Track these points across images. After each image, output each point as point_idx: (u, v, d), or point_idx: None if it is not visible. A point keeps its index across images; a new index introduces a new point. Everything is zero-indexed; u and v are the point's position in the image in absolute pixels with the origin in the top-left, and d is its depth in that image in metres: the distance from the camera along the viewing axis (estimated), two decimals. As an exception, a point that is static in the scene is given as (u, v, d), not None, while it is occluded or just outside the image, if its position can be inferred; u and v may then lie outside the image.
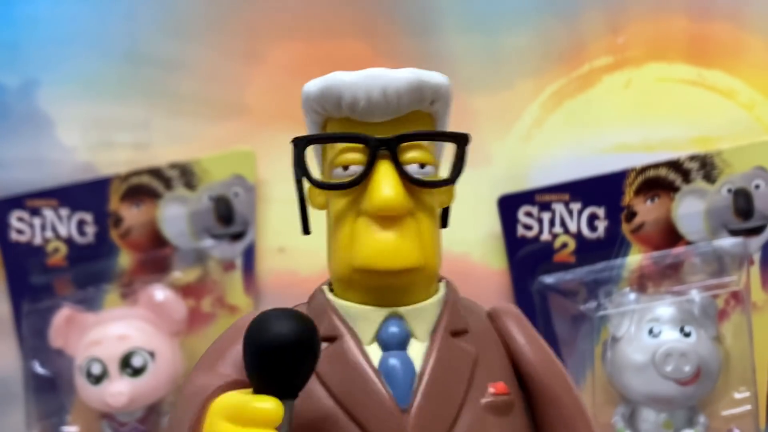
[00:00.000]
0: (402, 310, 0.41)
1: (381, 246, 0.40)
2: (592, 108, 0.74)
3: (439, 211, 0.44)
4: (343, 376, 0.40)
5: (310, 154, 0.44)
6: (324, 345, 0.40)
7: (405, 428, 0.39)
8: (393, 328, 0.41)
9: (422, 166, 0.42)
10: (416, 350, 0.41)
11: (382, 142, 0.40)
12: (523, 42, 0.75)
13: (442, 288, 0.43)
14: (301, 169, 0.42)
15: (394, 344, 0.41)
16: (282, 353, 0.35)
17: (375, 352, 0.41)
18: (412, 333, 0.41)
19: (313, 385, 0.39)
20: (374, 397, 0.39)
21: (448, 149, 0.44)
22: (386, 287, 0.41)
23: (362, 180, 0.41)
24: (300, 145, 0.42)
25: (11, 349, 0.77)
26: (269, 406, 0.35)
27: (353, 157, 0.41)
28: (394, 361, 0.40)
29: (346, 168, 0.41)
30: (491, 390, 0.41)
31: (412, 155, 0.41)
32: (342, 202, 0.42)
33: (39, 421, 0.75)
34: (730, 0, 0.73)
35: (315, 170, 0.44)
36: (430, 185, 0.42)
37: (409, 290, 0.42)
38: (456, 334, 0.42)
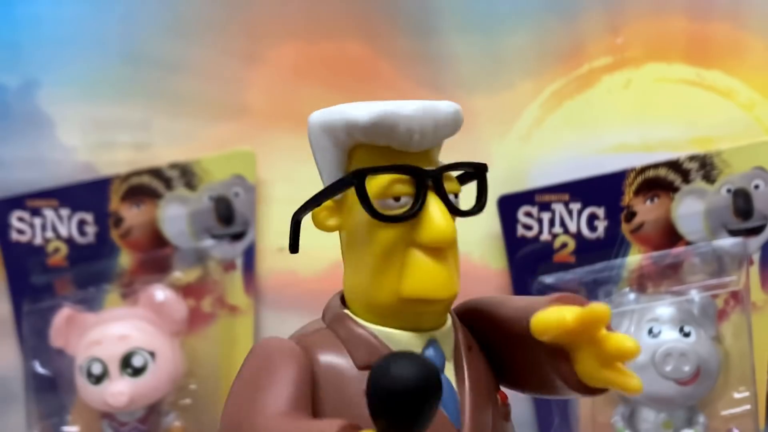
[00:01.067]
0: (437, 333, 0.42)
1: (435, 277, 0.41)
2: (592, 108, 0.74)
3: None
4: None
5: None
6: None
7: None
8: (433, 353, 0.42)
9: (456, 195, 0.43)
10: (449, 371, 0.42)
11: (431, 174, 0.41)
12: (523, 42, 0.75)
13: None
14: (366, 202, 0.41)
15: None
16: (415, 396, 0.35)
17: None
18: (444, 355, 0.42)
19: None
20: (437, 423, 0.38)
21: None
22: (427, 314, 0.42)
23: (418, 211, 0.41)
24: (360, 177, 0.41)
25: (12, 349, 0.77)
26: None
27: (403, 188, 0.41)
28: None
29: (397, 199, 0.41)
30: (499, 400, 0.43)
31: (450, 186, 0.42)
32: (391, 233, 0.42)
33: (39, 420, 0.75)
34: (729, 0, 0.73)
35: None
36: (468, 214, 0.43)
37: (441, 315, 0.43)
38: (468, 349, 0.43)
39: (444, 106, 0.42)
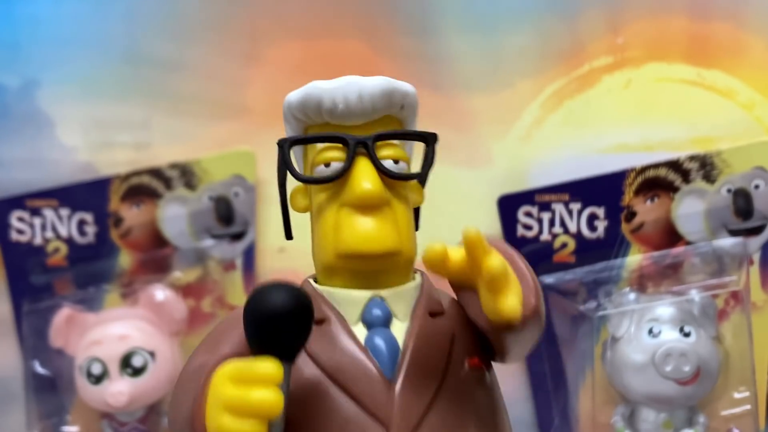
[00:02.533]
0: (384, 292, 0.45)
1: (363, 232, 0.44)
2: (592, 108, 0.74)
3: (411, 204, 0.47)
4: (333, 353, 0.43)
5: (293, 157, 0.48)
6: (314, 327, 0.43)
7: (392, 397, 0.42)
8: (376, 309, 0.44)
9: (396, 162, 0.46)
10: (398, 329, 0.44)
11: (361, 141, 0.45)
12: (523, 42, 0.75)
13: (417, 277, 0.47)
14: (288, 167, 0.47)
15: (378, 323, 0.44)
16: (282, 318, 0.39)
17: (360, 332, 0.44)
18: (393, 313, 0.45)
19: (305, 363, 0.43)
20: (363, 370, 0.43)
21: (417, 152, 0.48)
22: (368, 271, 0.45)
23: (344, 174, 0.45)
24: (285, 145, 0.47)
25: (11, 349, 0.77)
26: (271, 366, 0.38)
27: (334, 154, 0.45)
28: (378, 338, 0.44)
29: (328, 165, 0.45)
30: (467, 364, 0.45)
31: (386, 152, 0.45)
32: (325, 195, 0.46)
33: (39, 421, 0.75)
34: (729, 0, 0.73)
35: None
36: (404, 177, 0.46)
37: (389, 274, 0.45)
38: (433, 314, 0.45)
39: (372, 79, 0.45)
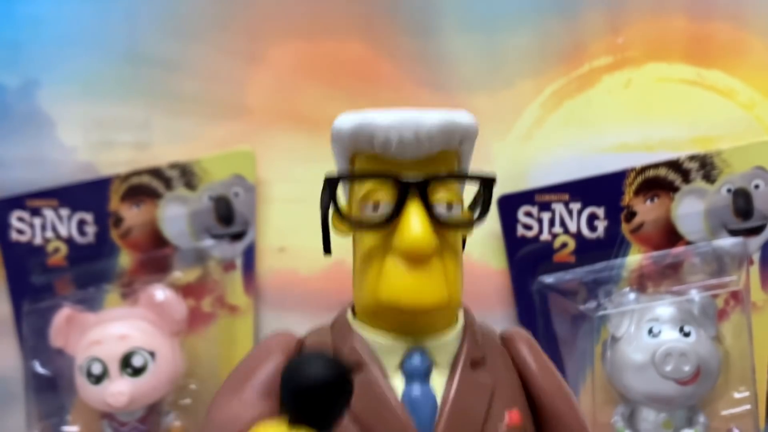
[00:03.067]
0: (425, 342, 0.43)
1: (408, 286, 0.41)
2: (592, 108, 0.74)
3: (461, 247, 0.45)
4: (368, 406, 0.42)
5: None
6: None
7: None
8: (416, 360, 0.43)
9: (449, 206, 0.43)
10: (438, 381, 0.43)
11: (413, 183, 0.42)
12: (523, 42, 0.75)
13: (461, 316, 0.45)
14: (334, 205, 0.43)
15: (418, 375, 0.43)
16: (320, 393, 0.37)
17: (398, 383, 0.43)
18: (434, 364, 0.43)
19: None
20: (398, 426, 0.41)
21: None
22: (411, 322, 0.43)
23: (393, 219, 0.42)
24: (332, 184, 0.43)
25: (11, 348, 0.77)
26: None
27: (384, 195, 0.42)
28: (417, 392, 0.42)
29: (376, 205, 0.43)
30: (507, 419, 0.43)
31: (440, 196, 0.43)
32: (372, 238, 0.43)
33: (39, 420, 0.75)
34: (729, 0, 0.73)
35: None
36: (458, 226, 0.43)
37: (432, 323, 0.43)
38: (474, 364, 0.43)
39: (429, 116, 0.42)
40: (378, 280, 0.42)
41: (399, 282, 0.41)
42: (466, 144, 0.44)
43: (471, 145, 0.45)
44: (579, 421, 0.46)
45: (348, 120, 0.43)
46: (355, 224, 0.43)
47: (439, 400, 0.42)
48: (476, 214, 0.45)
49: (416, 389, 0.42)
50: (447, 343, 0.43)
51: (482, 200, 0.45)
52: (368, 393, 0.42)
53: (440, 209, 0.42)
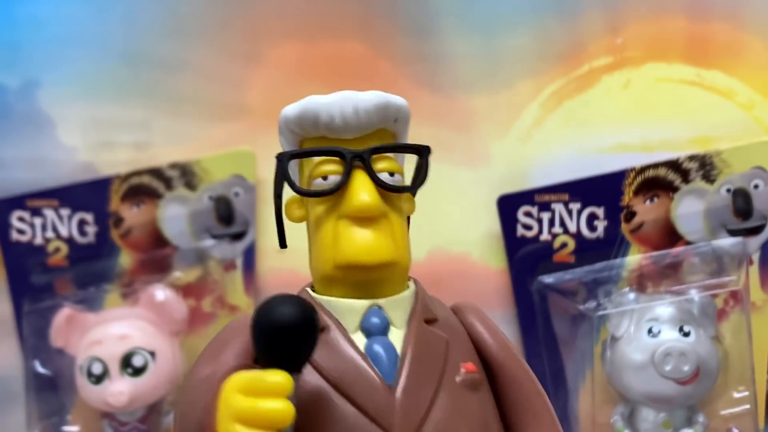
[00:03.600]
0: (381, 301, 0.46)
1: (362, 243, 0.45)
2: (592, 108, 0.74)
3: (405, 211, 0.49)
4: (335, 361, 0.44)
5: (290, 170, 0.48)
6: None
7: (393, 402, 0.43)
8: (374, 318, 0.46)
9: (392, 174, 0.47)
10: (396, 336, 0.46)
11: (358, 155, 0.46)
12: (522, 42, 0.75)
13: (411, 284, 0.48)
14: (286, 180, 0.48)
15: (377, 331, 0.46)
16: (289, 332, 0.40)
17: (360, 340, 0.45)
18: (391, 321, 0.46)
19: (308, 372, 0.44)
20: (364, 377, 0.44)
21: (409, 162, 0.49)
22: (366, 281, 0.46)
23: (342, 186, 0.46)
24: (284, 159, 0.48)
25: (12, 348, 0.77)
26: (281, 378, 0.39)
27: (332, 168, 0.46)
28: (378, 346, 0.45)
29: (325, 178, 0.47)
30: (463, 369, 0.46)
31: (382, 165, 0.47)
32: (323, 208, 0.47)
33: (40, 420, 0.75)
34: (729, 0, 0.73)
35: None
36: (400, 190, 0.47)
37: (386, 283, 0.46)
38: (429, 321, 0.47)
39: (367, 94, 0.47)
40: (333, 244, 0.46)
41: (352, 241, 0.45)
42: (401, 123, 0.48)
43: (405, 126, 0.49)
44: (529, 377, 0.48)
45: (293, 106, 0.48)
46: (308, 194, 0.47)
47: (399, 352, 0.45)
48: (413, 182, 0.49)
49: (377, 343, 0.45)
50: (401, 301, 0.46)
51: (419, 168, 0.48)
52: (333, 350, 0.45)
53: (383, 177, 0.46)
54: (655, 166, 0.71)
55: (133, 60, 0.77)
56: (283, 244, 0.50)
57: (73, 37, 0.77)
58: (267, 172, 0.76)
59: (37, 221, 0.76)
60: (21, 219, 0.76)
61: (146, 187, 0.76)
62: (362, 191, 0.45)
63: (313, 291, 0.48)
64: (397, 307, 0.46)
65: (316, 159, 0.47)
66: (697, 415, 0.68)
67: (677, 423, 0.67)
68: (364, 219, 0.45)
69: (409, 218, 0.50)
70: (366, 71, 0.75)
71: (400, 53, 0.75)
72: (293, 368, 0.40)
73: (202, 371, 0.45)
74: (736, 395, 0.69)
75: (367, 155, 0.46)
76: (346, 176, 0.46)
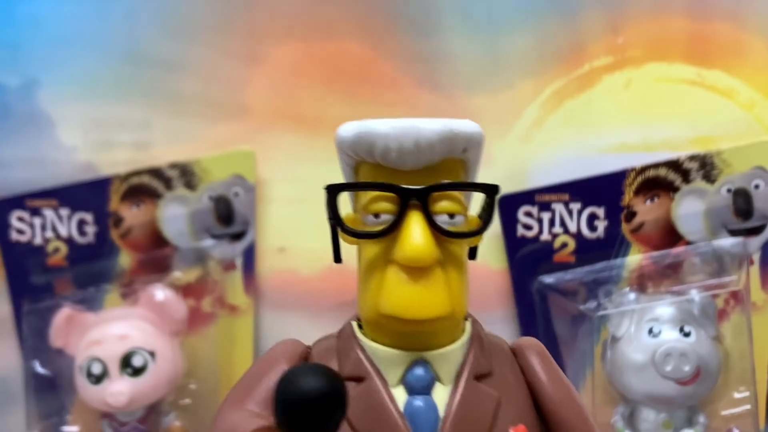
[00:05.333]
0: (428, 354, 0.42)
1: (409, 296, 0.41)
2: (592, 108, 0.74)
3: (466, 257, 0.45)
4: (369, 418, 0.41)
5: (343, 195, 0.45)
6: (351, 384, 0.42)
7: None
8: (419, 372, 0.42)
9: (452, 216, 0.42)
10: (441, 394, 0.42)
11: (413, 193, 0.41)
12: (523, 42, 0.75)
13: (467, 328, 0.45)
14: (333, 215, 0.43)
15: (420, 388, 0.42)
16: (312, 408, 0.36)
17: (400, 395, 0.42)
18: (437, 377, 0.43)
19: (341, 426, 0.40)
20: None
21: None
22: (413, 333, 0.42)
23: (393, 230, 0.41)
24: (332, 192, 0.43)
25: (11, 349, 0.77)
26: None
27: (385, 206, 0.42)
28: (418, 405, 0.42)
29: (377, 216, 0.42)
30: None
31: (442, 205, 0.42)
32: (373, 249, 0.43)
33: (39, 420, 0.75)
34: (729, 0, 0.73)
35: (347, 207, 0.45)
36: (460, 236, 0.43)
37: (435, 336, 0.43)
38: (480, 377, 0.43)
39: (431, 125, 0.41)
40: (379, 291, 0.42)
41: (399, 293, 0.41)
42: (472, 152, 0.44)
43: (477, 153, 0.45)
44: (588, 428, 0.45)
45: (349, 129, 0.43)
46: (356, 235, 0.43)
47: (441, 413, 0.42)
48: (479, 226, 0.45)
49: (418, 401, 0.42)
50: (451, 355, 0.43)
51: (485, 209, 0.44)
52: (369, 404, 0.41)
53: (442, 219, 0.42)
54: (656, 166, 0.71)
55: (134, 60, 0.77)
56: (338, 259, 0.45)
57: (73, 37, 0.77)
58: (267, 172, 0.76)
59: (37, 221, 0.76)
60: (20, 219, 0.76)
61: (146, 187, 0.75)
62: (416, 238, 0.41)
63: (360, 327, 0.44)
64: (446, 361, 0.43)
65: (372, 191, 0.43)
66: (698, 415, 0.68)
67: (678, 423, 0.67)
68: (416, 268, 0.41)
69: (475, 249, 0.46)
70: (366, 71, 0.75)
71: (400, 53, 0.75)
72: None
73: (227, 417, 0.42)
74: (737, 395, 0.69)
75: (423, 194, 0.41)
76: (400, 217, 0.41)
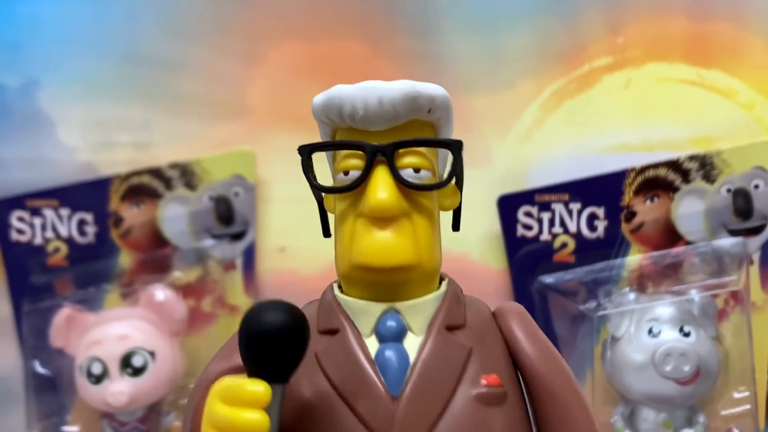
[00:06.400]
0: (399, 305, 0.44)
1: (376, 245, 0.43)
2: (592, 108, 0.74)
3: (437, 213, 0.46)
4: (341, 365, 0.43)
5: (324, 162, 0.47)
6: (326, 337, 0.43)
7: (395, 414, 0.41)
8: (390, 322, 0.44)
9: (417, 170, 0.44)
10: (412, 343, 0.43)
11: (378, 149, 0.43)
12: (523, 42, 0.75)
13: (443, 286, 0.46)
14: (306, 175, 0.45)
15: (391, 337, 0.43)
16: (271, 341, 0.38)
17: (372, 344, 0.43)
18: (408, 327, 0.44)
19: (315, 371, 0.43)
20: (367, 385, 0.42)
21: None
22: (383, 283, 0.44)
23: (360, 184, 0.43)
24: (304, 152, 0.45)
25: (12, 348, 0.77)
26: (258, 388, 0.38)
27: (353, 163, 0.44)
28: (389, 353, 0.43)
29: (346, 173, 0.44)
30: (483, 381, 0.43)
31: (407, 161, 0.44)
32: (344, 204, 0.45)
33: (39, 420, 0.75)
34: (729, 0, 0.73)
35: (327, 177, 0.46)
36: (422, 188, 0.44)
37: (406, 286, 0.44)
38: (452, 328, 0.44)
39: (393, 84, 0.43)
40: (349, 243, 0.44)
41: (367, 242, 0.43)
42: (438, 113, 0.45)
43: (446, 116, 0.46)
44: (573, 392, 0.45)
45: (321, 95, 0.45)
46: (324, 190, 0.45)
47: (411, 360, 0.43)
48: (447, 179, 0.45)
49: (389, 350, 0.43)
50: (423, 306, 0.44)
51: (452, 165, 0.45)
52: (342, 354, 0.43)
53: (407, 173, 0.44)
54: (656, 166, 0.71)
55: (134, 60, 0.77)
56: (326, 233, 0.47)
57: (73, 36, 0.77)
58: (267, 171, 0.76)
59: (37, 221, 0.76)
60: (21, 219, 0.76)
61: (146, 187, 0.76)
62: (380, 189, 0.42)
63: (339, 288, 0.46)
64: (417, 311, 0.44)
65: (343, 152, 0.45)
66: (698, 415, 0.68)
67: (678, 423, 0.67)
68: (383, 219, 0.43)
69: (458, 211, 0.47)
70: (366, 71, 0.75)
71: (400, 53, 0.75)
72: (275, 379, 0.39)
73: (211, 367, 0.44)
74: (737, 395, 0.69)
75: (389, 150, 0.43)
76: (366, 172, 0.43)
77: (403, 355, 0.43)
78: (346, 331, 0.44)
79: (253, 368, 0.39)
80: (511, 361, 0.45)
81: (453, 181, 0.46)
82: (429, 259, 0.44)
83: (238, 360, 0.42)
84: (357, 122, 0.44)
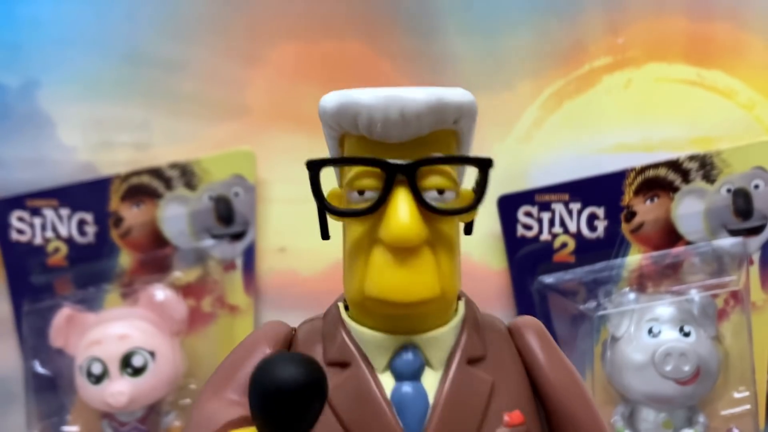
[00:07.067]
0: (417, 338, 0.40)
1: (396, 279, 0.38)
2: (592, 108, 0.74)
3: (458, 236, 0.43)
4: (354, 406, 0.39)
5: (328, 169, 0.42)
6: (336, 370, 0.40)
7: None
8: (407, 357, 0.40)
9: (441, 191, 0.40)
10: (431, 380, 0.40)
11: (399, 168, 0.38)
12: (523, 42, 0.75)
13: (460, 309, 0.42)
14: (316, 194, 0.40)
15: (408, 374, 0.40)
16: (288, 399, 0.34)
17: (388, 382, 0.40)
18: (426, 362, 0.40)
19: (325, 413, 0.37)
20: (383, 427, 0.38)
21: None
22: (401, 316, 0.40)
23: (378, 207, 0.39)
24: (313, 168, 0.40)
25: (11, 349, 0.77)
26: None
27: (369, 182, 0.39)
28: (407, 391, 0.39)
29: (362, 193, 0.40)
30: (506, 419, 0.40)
31: (430, 181, 0.39)
32: (358, 228, 0.40)
33: (39, 420, 0.75)
34: (729, 0, 0.73)
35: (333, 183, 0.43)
36: (449, 213, 0.40)
37: (425, 318, 0.40)
38: (472, 361, 0.41)
39: (417, 94, 0.38)
40: (364, 273, 0.39)
41: (385, 275, 0.38)
42: (463, 122, 0.41)
43: (470, 124, 0.41)
44: (592, 416, 0.43)
45: (331, 99, 0.40)
46: (339, 214, 0.40)
47: (431, 400, 0.39)
48: (471, 203, 0.41)
49: (406, 388, 0.39)
50: (442, 338, 0.40)
51: (478, 183, 0.41)
52: (354, 391, 0.39)
53: (431, 195, 0.39)
54: (656, 166, 0.71)
55: (134, 60, 0.77)
56: (325, 235, 0.42)
57: (73, 37, 0.77)
58: (267, 172, 0.76)
59: (37, 221, 0.76)
60: (21, 219, 0.76)
61: (146, 187, 0.75)
62: (402, 216, 0.37)
63: (347, 311, 0.42)
64: (436, 345, 0.40)
65: (353, 168, 0.40)
66: (698, 415, 0.68)
67: (678, 423, 0.67)
68: (403, 248, 0.38)
69: (471, 223, 0.43)
70: (366, 71, 0.75)
71: (401, 53, 0.75)
72: None
73: (206, 406, 0.40)
74: (737, 395, 0.69)
75: (411, 169, 0.38)
76: (385, 195, 0.38)
77: (422, 395, 0.39)
78: (359, 365, 0.40)
79: (267, 424, 0.35)
80: (530, 386, 0.42)
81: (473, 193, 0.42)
82: (451, 290, 0.40)
83: (233, 397, 0.40)
84: (374, 135, 0.39)
